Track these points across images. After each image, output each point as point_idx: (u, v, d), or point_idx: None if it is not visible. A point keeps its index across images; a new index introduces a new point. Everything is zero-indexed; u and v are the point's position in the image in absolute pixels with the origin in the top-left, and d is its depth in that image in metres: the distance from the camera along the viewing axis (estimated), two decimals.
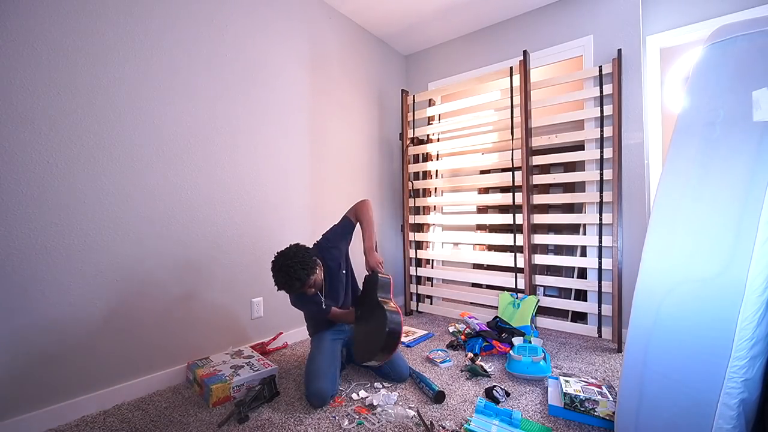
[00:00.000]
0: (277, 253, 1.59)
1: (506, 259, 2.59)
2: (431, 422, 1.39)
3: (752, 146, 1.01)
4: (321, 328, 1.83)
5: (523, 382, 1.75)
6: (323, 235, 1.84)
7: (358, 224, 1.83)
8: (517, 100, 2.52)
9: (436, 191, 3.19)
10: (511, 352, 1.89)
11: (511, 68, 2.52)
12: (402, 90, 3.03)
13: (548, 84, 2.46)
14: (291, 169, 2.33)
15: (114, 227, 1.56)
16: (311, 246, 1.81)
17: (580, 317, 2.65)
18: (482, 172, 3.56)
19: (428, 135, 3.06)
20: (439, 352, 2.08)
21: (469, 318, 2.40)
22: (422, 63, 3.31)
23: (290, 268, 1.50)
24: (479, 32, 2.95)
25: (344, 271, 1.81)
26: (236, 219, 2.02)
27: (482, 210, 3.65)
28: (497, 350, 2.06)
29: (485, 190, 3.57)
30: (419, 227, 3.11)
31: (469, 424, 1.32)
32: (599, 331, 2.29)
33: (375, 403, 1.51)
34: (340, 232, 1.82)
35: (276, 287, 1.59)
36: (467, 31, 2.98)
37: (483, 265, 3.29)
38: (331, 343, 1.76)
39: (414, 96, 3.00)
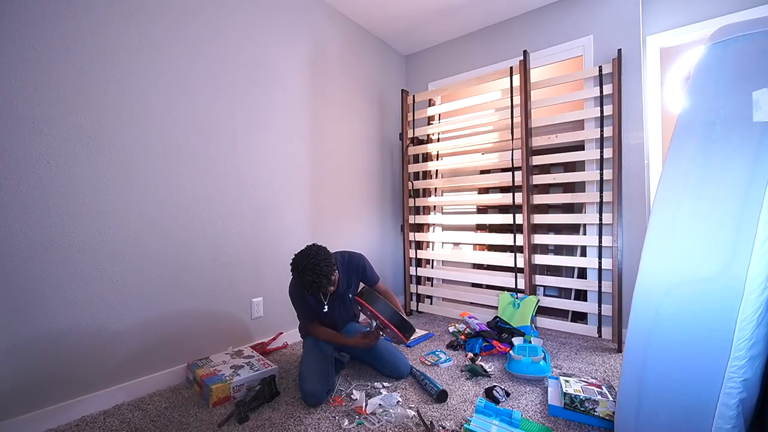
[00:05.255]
0: (297, 254, 1.57)
1: (506, 259, 2.59)
2: (431, 422, 1.39)
3: (752, 146, 1.01)
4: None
5: (523, 382, 1.75)
6: (363, 255, 1.84)
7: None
8: (517, 100, 2.52)
9: (436, 191, 3.19)
10: (511, 352, 1.89)
11: (511, 68, 2.52)
12: (402, 90, 3.03)
13: (548, 84, 2.46)
14: (291, 169, 2.33)
15: (114, 227, 1.56)
16: (344, 251, 1.84)
17: (580, 317, 2.65)
18: (482, 172, 3.55)
19: (428, 135, 3.06)
20: (433, 355, 2.06)
21: (469, 318, 2.40)
22: (422, 63, 3.30)
23: (316, 266, 1.49)
24: (479, 32, 2.95)
25: (350, 295, 1.82)
26: (236, 219, 2.02)
27: (482, 210, 3.65)
28: (497, 350, 2.06)
29: (485, 190, 3.57)
30: (419, 227, 3.10)
31: (469, 424, 1.32)
32: (599, 331, 2.29)
33: (375, 403, 1.51)
34: (370, 274, 1.83)
35: (295, 288, 1.63)
36: (467, 31, 2.98)
37: (483, 265, 3.29)
38: (323, 343, 1.76)
39: (414, 96, 3.00)
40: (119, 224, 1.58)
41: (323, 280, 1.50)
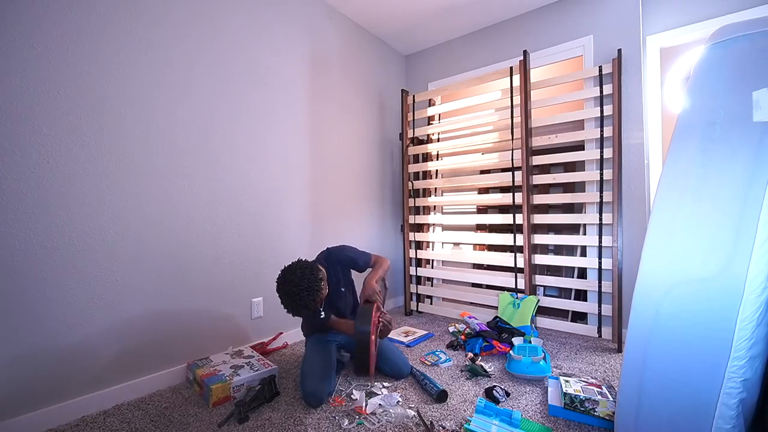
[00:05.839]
0: (282, 272, 1.55)
1: (506, 259, 2.59)
2: (431, 422, 1.39)
3: (752, 146, 1.01)
4: (315, 330, 1.84)
5: (523, 382, 1.75)
6: (344, 246, 1.83)
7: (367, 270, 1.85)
8: (517, 100, 2.52)
9: (436, 191, 3.19)
10: (511, 352, 1.89)
11: (511, 68, 2.52)
12: (402, 90, 3.03)
13: (548, 84, 2.46)
14: (291, 169, 2.33)
15: (114, 227, 1.57)
16: (324, 250, 1.82)
17: (580, 317, 2.65)
18: (482, 172, 3.55)
19: (428, 135, 3.06)
20: (433, 355, 2.06)
21: (469, 318, 2.40)
22: (422, 63, 3.30)
23: (296, 296, 1.47)
24: (479, 32, 2.95)
25: (342, 289, 1.82)
26: (236, 219, 2.02)
27: (482, 210, 3.65)
28: (497, 350, 2.06)
29: (485, 190, 3.57)
30: (419, 227, 3.10)
31: (469, 424, 1.32)
32: (599, 331, 2.29)
33: (375, 403, 1.51)
34: (355, 258, 1.81)
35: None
36: (467, 31, 2.98)
37: (483, 265, 3.29)
38: (325, 343, 1.77)
39: (414, 96, 3.00)
40: (119, 224, 1.58)
41: (302, 311, 1.51)
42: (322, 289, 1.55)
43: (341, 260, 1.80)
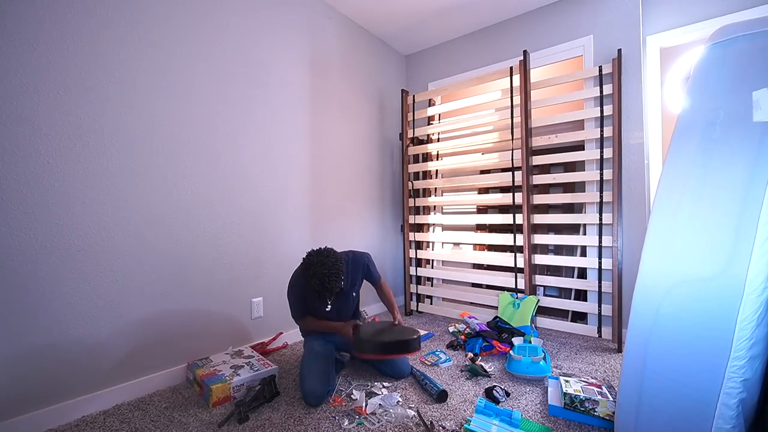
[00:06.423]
0: (312, 253, 1.59)
1: (506, 259, 2.59)
2: (431, 422, 1.39)
3: (752, 146, 1.01)
4: (314, 331, 1.84)
5: (523, 382, 1.75)
6: (367, 254, 1.89)
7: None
8: (517, 100, 2.52)
9: (436, 191, 3.19)
10: (511, 352, 1.89)
11: (511, 68, 2.52)
12: (402, 90, 3.03)
13: (548, 84, 2.46)
14: (291, 170, 2.33)
15: (114, 227, 1.56)
16: (349, 251, 1.87)
17: (580, 317, 2.65)
18: (482, 172, 3.55)
19: (428, 135, 3.06)
20: (433, 355, 2.06)
21: (469, 318, 2.40)
22: (422, 63, 3.30)
23: (326, 277, 1.51)
24: (479, 32, 2.95)
25: (354, 293, 1.85)
26: (236, 219, 2.02)
27: (482, 210, 3.65)
28: (497, 350, 2.06)
29: (485, 190, 3.57)
30: (419, 227, 3.11)
31: (469, 424, 1.32)
32: (599, 331, 2.29)
33: (375, 403, 1.51)
34: (373, 269, 1.90)
35: (292, 281, 1.68)
36: (467, 31, 2.98)
37: (483, 265, 3.29)
38: (323, 343, 1.77)
39: (414, 96, 3.00)
40: (119, 224, 1.58)
41: (326, 294, 1.55)
42: (343, 278, 1.60)
43: (363, 266, 1.84)
